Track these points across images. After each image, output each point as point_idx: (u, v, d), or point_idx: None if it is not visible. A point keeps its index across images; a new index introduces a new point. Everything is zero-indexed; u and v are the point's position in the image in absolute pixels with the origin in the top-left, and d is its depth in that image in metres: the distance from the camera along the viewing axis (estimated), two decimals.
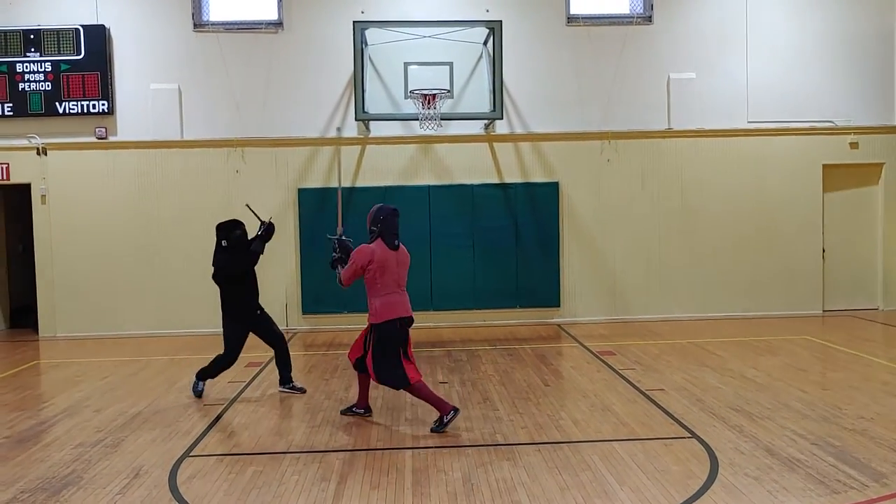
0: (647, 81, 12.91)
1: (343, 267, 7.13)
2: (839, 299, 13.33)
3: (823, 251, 13.20)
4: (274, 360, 8.58)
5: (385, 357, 6.82)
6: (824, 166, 13.13)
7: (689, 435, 6.52)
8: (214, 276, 8.08)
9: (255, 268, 8.26)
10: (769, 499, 5.09)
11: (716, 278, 12.99)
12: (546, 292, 12.89)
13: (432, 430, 6.76)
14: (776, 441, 6.29)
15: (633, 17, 12.91)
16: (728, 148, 13.00)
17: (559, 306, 12.92)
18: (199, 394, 8.26)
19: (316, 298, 12.64)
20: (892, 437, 6.34)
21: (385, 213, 7.02)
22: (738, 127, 13.00)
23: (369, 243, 6.95)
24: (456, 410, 6.81)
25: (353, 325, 12.35)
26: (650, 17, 12.90)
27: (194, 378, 8.35)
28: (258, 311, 8.26)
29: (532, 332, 12.09)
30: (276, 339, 8.39)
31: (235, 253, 8.04)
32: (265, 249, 8.28)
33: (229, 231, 8.09)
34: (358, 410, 7.38)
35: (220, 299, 8.14)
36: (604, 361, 9.70)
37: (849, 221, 13.37)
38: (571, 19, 12.84)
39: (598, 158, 12.88)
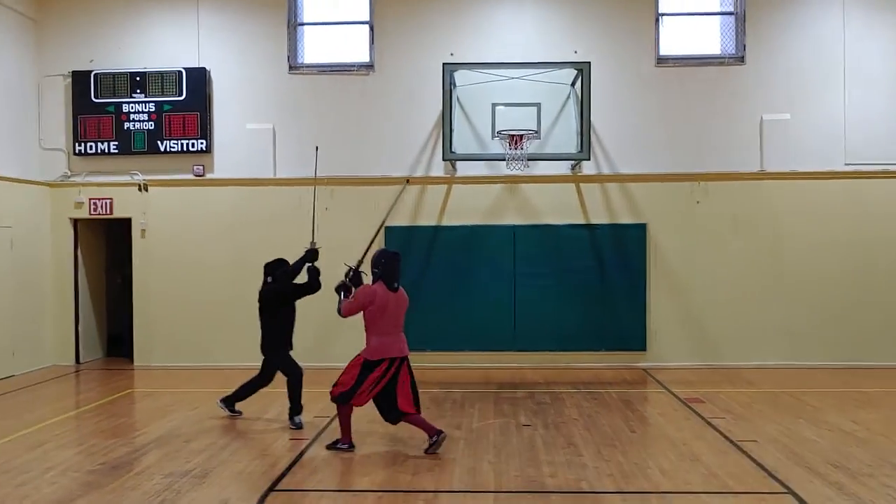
0: (739, 122, 12.66)
1: (346, 297, 7.59)
2: None
3: None
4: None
5: (357, 382, 7.29)
6: None
7: (785, 490, 6.25)
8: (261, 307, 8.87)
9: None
10: None
11: (811, 325, 12.51)
12: (632, 335, 12.65)
13: (426, 451, 7.35)
14: (879, 500, 5.98)
15: (724, 58, 12.72)
16: (824, 190, 12.58)
17: (645, 350, 12.65)
18: (299, 425, 8.56)
19: None
20: None
21: (386, 256, 7.52)
22: (835, 169, 12.59)
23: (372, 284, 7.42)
24: (440, 433, 7.38)
25: (437, 363, 12.36)
26: (742, 56, 12.68)
27: (291, 418, 8.65)
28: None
29: (617, 376, 11.86)
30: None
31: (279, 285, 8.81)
32: (320, 284, 8.72)
33: (274, 269, 8.90)
34: (343, 446, 7.62)
35: (262, 334, 8.88)
36: (692, 409, 9.42)
37: None
38: (661, 61, 12.74)
39: (687, 200, 12.65)
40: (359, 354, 7.53)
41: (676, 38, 12.82)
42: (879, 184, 12.56)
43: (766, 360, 12.50)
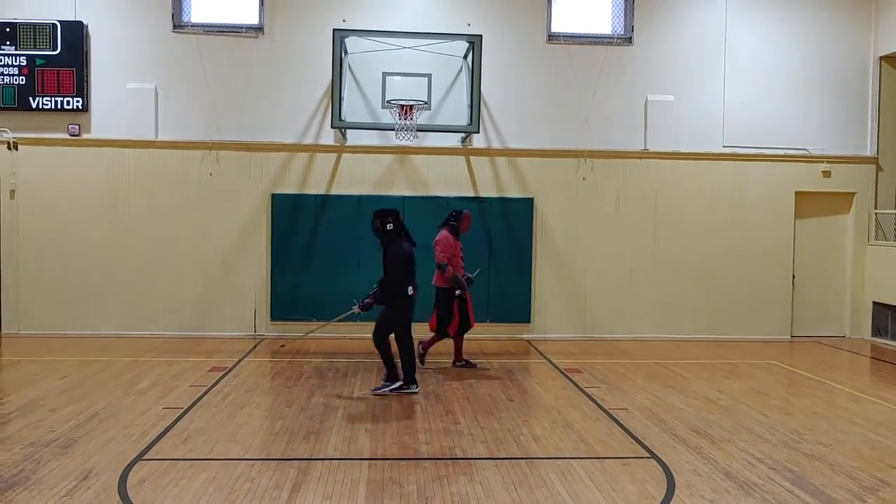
0: (625, 102, 12.98)
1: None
2: (807, 326, 13.43)
3: (794, 277, 13.31)
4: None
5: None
6: (797, 193, 13.25)
7: (649, 455, 6.50)
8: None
9: None
10: None
11: (686, 300, 13.04)
12: (517, 307, 12.87)
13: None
14: (734, 464, 6.29)
15: (613, 38, 12.98)
16: (703, 171, 13.09)
17: (530, 322, 12.91)
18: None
19: (285, 305, 12.53)
20: (849, 464, 6.36)
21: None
22: (714, 151, 13.10)
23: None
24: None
25: (322, 333, 12.27)
26: (630, 38, 12.98)
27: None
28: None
29: (501, 347, 12.05)
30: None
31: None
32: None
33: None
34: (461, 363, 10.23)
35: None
36: (570, 379, 9.68)
37: (819, 249, 13.48)
38: (552, 37, 12.90)
39: (573, 176, 12.91)
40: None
41: (568, 16, 12.99)
42: (754, 166, 13.15)
43: (643, 333, 12.97)
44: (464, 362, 10.29)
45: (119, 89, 12.33)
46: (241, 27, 12.53)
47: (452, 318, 9.88)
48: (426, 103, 11.60)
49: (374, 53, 11.81)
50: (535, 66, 12.85)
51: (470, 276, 10.16)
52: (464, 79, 12.19)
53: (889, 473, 6.14)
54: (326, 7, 12.49)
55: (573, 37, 12.95)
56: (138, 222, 12.38)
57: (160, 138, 12.43)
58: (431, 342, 10.14)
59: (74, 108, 12.20)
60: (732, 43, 13.07)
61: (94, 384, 8.89)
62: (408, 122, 11.20)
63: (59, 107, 12.18)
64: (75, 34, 12.15)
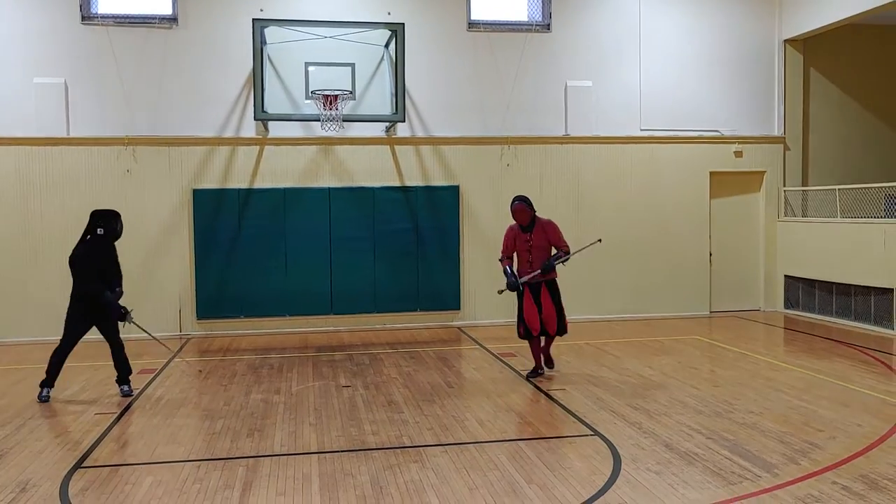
0: (545, 88, 13.17)
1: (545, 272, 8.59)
2: (724, 301, 13.97)
3: (710, 255, 13.80)
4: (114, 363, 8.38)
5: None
6: (711, 173, 13.74)
7: (592, 433, 6.66)
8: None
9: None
10: (671, 492, 5.25)
11: (610, 281, 13.37)
12: (446, 295, 12.95)
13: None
14: (674, 436, 6.51)
15: (531, 25, 13.14)
16: (621, 154, 13.42)
17: (459, 309, 13.00)
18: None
19: (211, 302, 12.27)
20: (779, 429, 6.66)
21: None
22: (632, 134, 13.43)
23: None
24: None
25: (251, 329, 12.10)
26: (548, 25, 13.17)
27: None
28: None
29: (433, 335, 12.11)
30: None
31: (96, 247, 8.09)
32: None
33: (108, 221, 8.13)
34: (541, 371, 8.93)
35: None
36: (505, 363, 9.81)
37: (733, 226, 14.02)
38: (472, 25, 12.97)
39: (497, 163, 13.04)
40: (557, 289, 8.77)
41: (487, 4, 13.08)
42: (670, 149, 13.56)
43: (571, 314, 13.01)
44: (533, 370, 8.96)
45: (26, 84, 11.79)
46: (155, 18, 12.14)
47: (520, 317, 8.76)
48: (351, 93, 11.53)
49: (295, 44, 11.66)
50: (457, 54, 12.90)
51: (529, 275, 8.60)
52: (386, 68, 12.16)
53: (817, 436, 6.46)
54: None
55: (493, 24, 13.05)
56: (51, 224, 11.87)
57: (72, 135, 11.95)
58: (534, 346, 8.94)
59: None
60: (647, 28, 13.41)
61: (17, 393, 8.52)
62: (333, 113, 11.10)
63: None
64: None
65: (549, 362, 9.11)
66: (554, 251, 8.70)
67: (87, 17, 12.00)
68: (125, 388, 8.33)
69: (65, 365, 8.22)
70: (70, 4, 11.92)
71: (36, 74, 11.83)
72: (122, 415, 7.53)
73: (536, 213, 8.74)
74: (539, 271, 8.54)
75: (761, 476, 5.52)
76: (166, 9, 12.20)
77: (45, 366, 8.14)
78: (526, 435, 6.67)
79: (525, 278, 8.58)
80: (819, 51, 14.01)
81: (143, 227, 12.04)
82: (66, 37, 11.94)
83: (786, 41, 13.81)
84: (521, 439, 6.53)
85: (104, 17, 12.04)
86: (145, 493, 5.38)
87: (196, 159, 12.25)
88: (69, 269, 8.05)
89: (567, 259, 8.73)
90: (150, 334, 9.04)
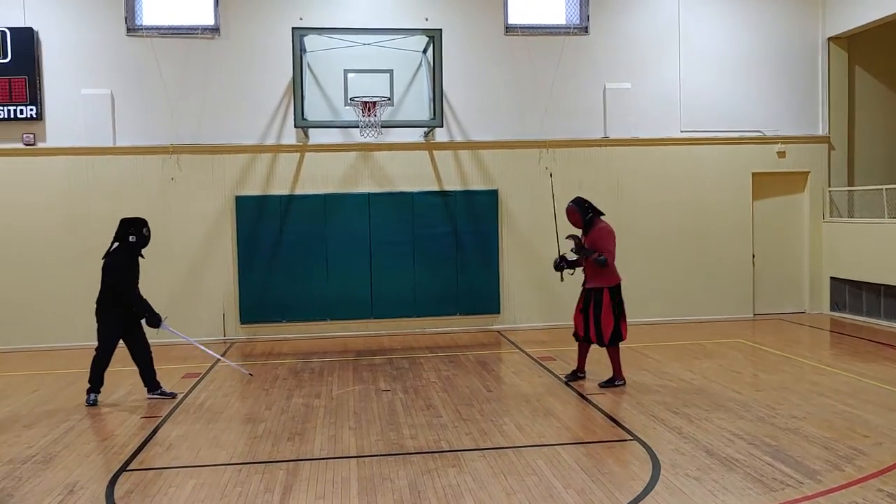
0: (583, 91, 13.12)
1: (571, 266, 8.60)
2: (768, 303, 13.75)
3: (753, 257, 13.60)
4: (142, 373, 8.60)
5: (616, 315, 8.53)
6: (753, 174, 13.55)
7: (631, 437, 6.63)
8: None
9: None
10: (710, 498, 5.21)
11: (652, 283, 13.24)
12: (486, 299, 12.96)
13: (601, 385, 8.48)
14: (714, 442, 6.44)
15: (569, 28, 13.10)
16: (662, 156, 13.30)
17: (499, 313, 13.00)
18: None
19: (254, 307, 12.45)
20: (823, 435, 6.55)
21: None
22: (672, 136, 13.31)
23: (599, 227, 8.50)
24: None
25: (293, 334, 12.26)
26: (586, 27, 13.11)
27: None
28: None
29: (472, 339, 12.13)
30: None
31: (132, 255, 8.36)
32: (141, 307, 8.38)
33: (139, 228, 8.40)
34: (581, 375, 8.85)
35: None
36: (544, 367, 9.80)
37: (776, 228, 13.80)
38: (509, 29, 12.98)
39: (536, 167, 13.01)
40: (599, 298, 8.46)
41: (524, 8, 13.08)
42: (711, 150, 13.40)
43: None
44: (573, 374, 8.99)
45: (74, 96, 12.10)
46: (197, 28, 12.38)
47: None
48: (389, 99, 11.61)
49: (334, 51, 11.79)
50: (494, 58, 12.92)
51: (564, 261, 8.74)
52: (424, 74, 12.23)
53: (862, 442, 6.34)
54: (282, 5, 12.41)
55: (530, 28, 13.04)
56: (99, 231, 12.09)
57: (118, 144, 12.23)
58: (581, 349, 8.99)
59: (28, 116, 11.94)
60: (686, 28, 13.28)
61: (66, 397, 8.76)
62: (371, 119, 11.20)
63: (11, 116, 11.92)
64: (25, 41, 11.88)
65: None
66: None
67: (132, 29, 12.28)
68: (160, 390, 8.55)
69: (112, 370, 8.43)
70: (116, 17, 12.21)
71: (84, 86, 12.14)
72: (166, 419, 7.69)
73: (599, 217, 8.65)
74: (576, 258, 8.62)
75: (804, 483, 5.44)
76: (208, 19, 12.42)
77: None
78: (564, 440, 6.66)
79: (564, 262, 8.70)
80: (864, 48, 13.73)
81: (187, 234, 12.27)
82: (113, 49, 12.23)
83: (830, 39, 13.56)
84: (559, 444, 6.52)
85: (148, 28, 12.31)
86: (188, 496, 5.49)
87: (238, 166, 12.45)
88: (102, 276, 8.26)
89: (587, 256, 8.46)
90: (187, 339, 9.22)
